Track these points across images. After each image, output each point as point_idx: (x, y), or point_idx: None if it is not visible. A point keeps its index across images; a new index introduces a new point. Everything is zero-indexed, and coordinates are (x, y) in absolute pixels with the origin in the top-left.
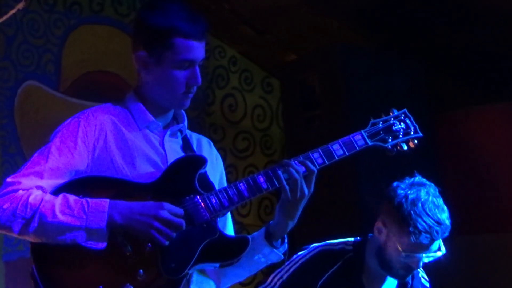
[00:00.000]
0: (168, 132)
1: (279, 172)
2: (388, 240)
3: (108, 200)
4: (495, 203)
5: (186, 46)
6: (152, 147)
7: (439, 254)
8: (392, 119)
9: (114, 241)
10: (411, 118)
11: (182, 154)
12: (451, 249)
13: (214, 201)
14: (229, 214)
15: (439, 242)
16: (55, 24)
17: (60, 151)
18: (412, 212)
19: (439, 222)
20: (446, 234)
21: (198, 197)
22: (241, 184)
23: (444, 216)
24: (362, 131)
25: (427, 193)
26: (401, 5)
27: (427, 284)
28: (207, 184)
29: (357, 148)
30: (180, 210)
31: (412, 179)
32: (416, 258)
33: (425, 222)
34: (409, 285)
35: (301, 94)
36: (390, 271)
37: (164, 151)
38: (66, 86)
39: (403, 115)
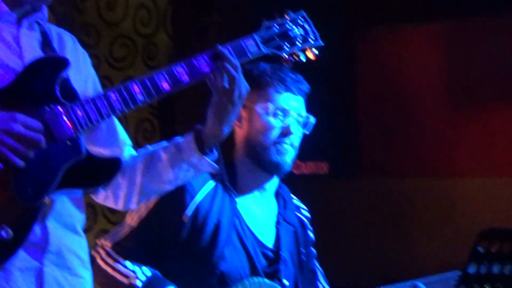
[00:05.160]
0: (25, 24)
1: (158, 79)
2: (252, 116)
3: None
4: (415, 142)
5: None
6: (5, 43)
7: (302, 114)
8: (288, 22)
9: None
10: (310, 22)
11: (41, 52)
12: (355, 191)
13: (80, 114)
14: (115, 120)
15: (302, 103)
16: None
17: None
18: (265, 68)
19: (293, 74)
20: (305, 88)
21: (60, 107)
22: (112, 93)
23: (298, 74)
24: (254, 35)
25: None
26: None
27: (307, 214)
28: (70, 93)
29: (249, 56)
30: (37, 123)
31: None
32: (288, 114)
33: (282, 71)
34: (281, 218)
35: None
36: (265, 157)
37: (20, 48)
38: None
39: (300, 18)
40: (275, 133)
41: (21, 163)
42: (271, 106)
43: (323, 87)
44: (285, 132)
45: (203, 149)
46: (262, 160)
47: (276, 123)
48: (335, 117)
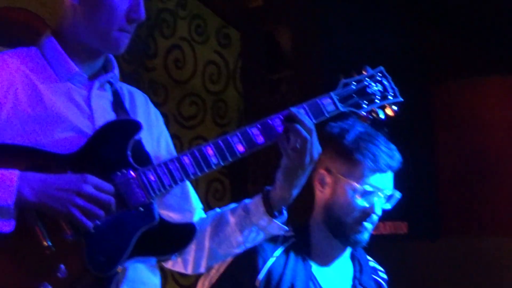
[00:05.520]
0: (96, 84)
1: (232, 141)
2: (336, 186)
3: (17, 171)
4: (497, 200)
5: None
6: (76, 105)
7: (388, 193)
8: (367, 79)
9: (25, 225)
10: (389, 78)
11: (113, 114)
12: (435, 251)
13: (153, 179)
14: (188, 183)
15: (391, 178)
16: None
17: None
18: (358, 137)
19: (389, 148)
20: (400, 164)
21: (132, 172)
22: (185, 157)
23: (392, 146)
24: (332, 93)
25: (365, 124)
26: None
27: (385, 276)
28: (143, 156)
29: (326, 115)
30: (108, 186)
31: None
32: (373, 195)
33: (376, 145)
34: (357, 282)
35: (266, 50)
36: (344, 233)
37: (91, 110)
38: None
39: (379, 74)
40: (357, 213)
41: (90, 224)
42: (359, 188)
43: (399, 144)
44: (369, 213)
45: (272, 211)
46: (339, 234)
47: (361, 203)
48: (414, 175)
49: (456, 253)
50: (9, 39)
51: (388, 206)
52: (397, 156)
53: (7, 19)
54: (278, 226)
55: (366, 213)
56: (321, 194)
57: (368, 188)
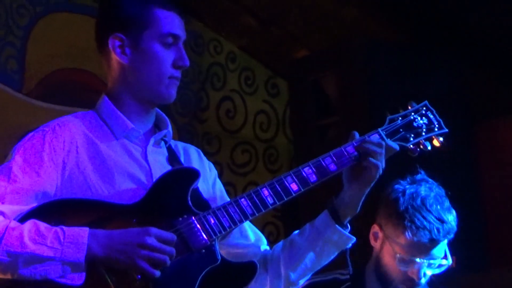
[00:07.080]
0: (152, 141)
1: (287, 180)
2: (384, 245)
3: (87, 229)
4: None
5: (169, 18)
6: (134, 160)
7: (444, 262)
8: (412, 113)
9: (94, 277)
10: (434, 111)
11: (169, 167)
12: (485, 284)
13: (213, 222)
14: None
15: (443, 247)
16: (18, 12)
17: (23, 170)
18: (409, 206)
19: (441, 220)
20: (450, 235)
21: (193, 217)
22: (242, 199)
23: (449, 215)
24: (379, 130)
25: (430, 189)
26: None
27: None
28: (201, 202)
29: None
30: (170, 235)
31: (414, 176)
32: (415, 264)
33: (424, 217)
34: None
35: (313, 97)
36: (391, 286)
37: (148, 164)
38: (31, 86)
39: (424, 108)
40: (401, 276)
41: (157, 273)
42: (398, 255)
43: (446, 178)
44: (413, 279)
45: (341, 224)
46: (390, 283)
47: (403, 268)
48: (461, 210)
49: (506, 286)
50: (70, 99)
51: (437, 272)
52: (448, 227)
53: (68, 80)
54: (347, 237)
55: (409, 279)
56: (375, 245)
57: (410, 258)
